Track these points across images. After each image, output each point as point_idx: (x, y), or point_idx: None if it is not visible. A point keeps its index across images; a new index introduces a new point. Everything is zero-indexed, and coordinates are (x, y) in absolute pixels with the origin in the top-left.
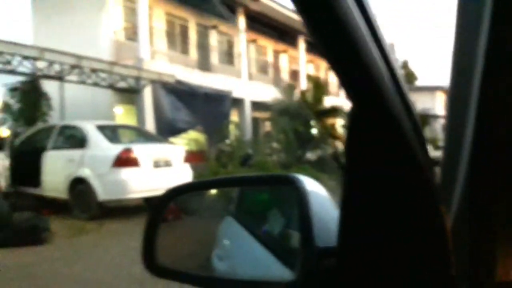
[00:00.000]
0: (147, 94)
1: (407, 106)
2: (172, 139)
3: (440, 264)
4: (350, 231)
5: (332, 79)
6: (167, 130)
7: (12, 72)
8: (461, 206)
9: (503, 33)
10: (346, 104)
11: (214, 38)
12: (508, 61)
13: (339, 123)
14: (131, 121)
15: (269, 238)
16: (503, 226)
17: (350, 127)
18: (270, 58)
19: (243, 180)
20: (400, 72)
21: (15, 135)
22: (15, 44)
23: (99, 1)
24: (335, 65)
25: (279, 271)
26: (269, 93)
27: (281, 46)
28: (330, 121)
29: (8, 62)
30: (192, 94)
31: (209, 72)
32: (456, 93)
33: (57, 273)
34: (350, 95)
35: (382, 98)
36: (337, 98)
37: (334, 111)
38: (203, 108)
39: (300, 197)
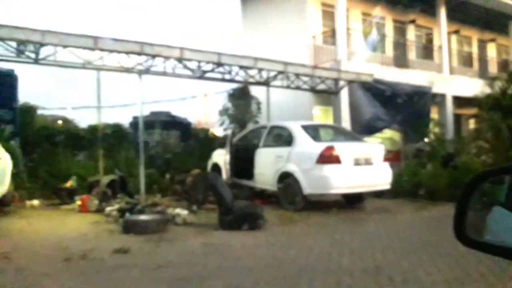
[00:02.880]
0: (344, 95)
1: None
2: (367, 138)
3: None
4: None
5: None
6: (362, 129)
7: (231, 80)
8: None
9: None
10: None
11: (411, 33)
12: None
13: None
14: (327, 121)
15: None
16: None
17: None
18: (474, 49)
19: None
20: None
21: (233, 134)
22: (235, 56)
23: (300, 9)
24: None
25: None
26: (474, 88)
27: (487, 35)
28: None
29: (229, 72)
30: (389, 92)
31: (407, 69)
32: None
33: (274, 257)
34: None
35: None
36: None
37: None
38: (400, 105)
39: None
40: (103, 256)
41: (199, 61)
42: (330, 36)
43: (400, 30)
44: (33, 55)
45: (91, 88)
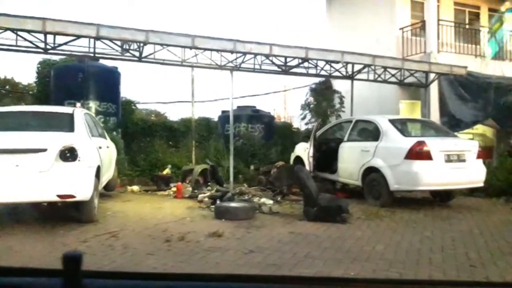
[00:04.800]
0: (433, 88)
1: None
2: (458, 134)
3: None
4: None
5: None
6: (452, 124)
7: (316, 75)
8: None
9: None
10: None
11: (509, 22)
12: None
13: None
14: (414, 115)
15: None
16: None
17: None
18: None
19: None
20: None
21: (317, 127)
22: (322, 50)
23: (388, 0)
24: None
25: None
26: None
27: None
28: None
29: (314, 66)
30: (482, 85)
31: (503, 60)
32: None
33: (362, 250)
34: None
35: None
36: None
37: None
38: (494, 99)
39: None
40: (199, 238)
41: (286, 57)
42: (420, 27)
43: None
44: (137, 54)
45: (183, 83)
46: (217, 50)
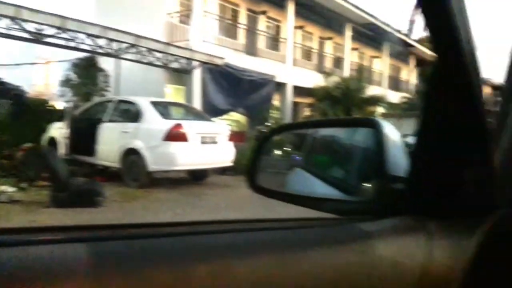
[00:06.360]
0: (196, 75)
1: (475, 65)
2: (216, 119)
3: (488, 193)
4: (420, 164)
5: (376, 68)
6: (212, 110)
7: (75, 48)
8: (509, 144)
9: None
10: (387, 94)
11: (262, 23)
12: None
13: (379, 112)
14: (179, 100)
15: (334, 179)
16: None
17: (431, 77)
18: (315, 44)
19: (331, 122)
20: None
21: (74, 107)
22: (80, 21)
23: None
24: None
25: (347, 197)
26: (312, 79)
27: (327, 33)
28: (370, 109)
29: (72, 39)
30: (238, 77)
31: (255, 57)
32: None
33: None
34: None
35: (461, 61)
36: (379, 87)
37: (375, 100)
38: (247, 91)
39: (379, 136)
40: None
41: (39, 23)
42: (187, 16)
43: (253, 19)
44: None
45: None
46: None
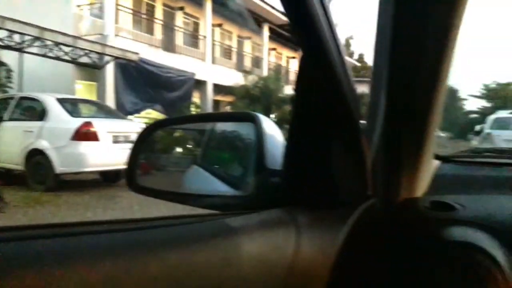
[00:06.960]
0: (109, 71)
1: (343, 63)
2: (131, 117)
3: (359, 184)
4: (293, 156)
5: (293, 68)
6: (126, 107)
7: None
8: (379, 142)
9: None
10: None
11: (180, 20)
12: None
13: None
14: (91, 97)
15: (227, 175)
16: (407, 157)
17: (299, 72)
18: (234, 43)
19: (213, 116)
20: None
21: None
22: None
23: None
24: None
25: (234, 192)
26: (231, 78)
27: (245, 33)
28: (288, 108)
29: None
30: (155, 73)
31: (173, 53)
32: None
33: None
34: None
35: (325, 55)
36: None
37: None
38: (165, 88)
39: (258, 130)
40: None
41: None
42: (99, 9)
43: (170, 15)
44: None
45: None
46: None
